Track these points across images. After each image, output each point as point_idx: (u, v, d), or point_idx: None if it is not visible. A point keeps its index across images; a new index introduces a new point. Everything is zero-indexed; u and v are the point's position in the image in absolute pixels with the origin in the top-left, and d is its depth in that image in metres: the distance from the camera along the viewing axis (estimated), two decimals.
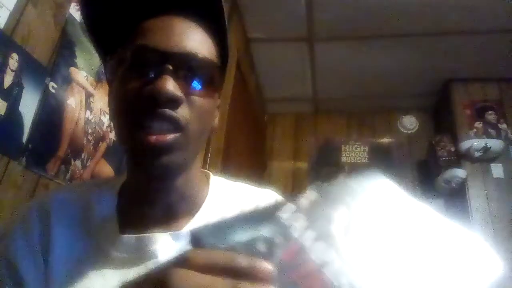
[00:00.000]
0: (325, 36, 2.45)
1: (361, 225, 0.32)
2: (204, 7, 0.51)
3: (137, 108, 0.46)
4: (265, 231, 0.30)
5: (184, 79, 0.48)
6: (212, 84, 0.51)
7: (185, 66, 0.48)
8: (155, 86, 0.45)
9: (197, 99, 0.49)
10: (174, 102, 0.46)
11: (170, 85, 0.45)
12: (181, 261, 0.27)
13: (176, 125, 0.47)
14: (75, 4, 1.19)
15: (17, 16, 0.94)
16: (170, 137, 0.46)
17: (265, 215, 0.32)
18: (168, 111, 0.46)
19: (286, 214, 0.32)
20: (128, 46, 0.49)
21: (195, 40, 0.50)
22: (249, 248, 0.29)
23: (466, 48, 2.46)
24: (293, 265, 0.28)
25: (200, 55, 0.49)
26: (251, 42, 2.54)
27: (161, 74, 0.46)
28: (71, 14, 1.17)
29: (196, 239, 0.29)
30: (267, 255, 0.28)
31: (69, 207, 0.55)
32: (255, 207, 0.33)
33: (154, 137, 0.45)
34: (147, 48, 0.47)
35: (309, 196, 0.34)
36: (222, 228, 0.30)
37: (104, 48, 0.55)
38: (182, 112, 0.47)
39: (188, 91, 0.48)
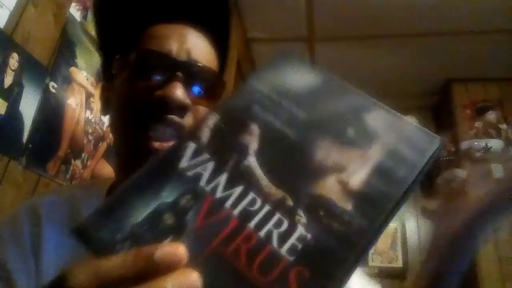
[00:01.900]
0: (325, 36, 2.45)
1: (278, 136, 0.26)
2: (213, 21, 0.53)
3: (145, 111, 0.47)
4: (167, 194, 0.24)
5: (190, 88, 0.49)
6: (215, 94, 0.52)
7: (193, 75, 0.49)
8: (166, 91, 0.45)
9: (200, 108, 0.50)
10: (182, 109, 0.47)
11: (181, 92, 0.46)
12: None
13: (180, 132, 0.47)
14: (75, 4, 1.19)
15: (17, 16, 0.94)
16: None
17: (162, 171, 0.25)
18: (176, 117, 0.47)
19: (187, 160, 0.25)
20: (139, 48, 0.50)
21: (203, 51, 0.52)
22: (154, 226, 0.23)
23: (466, 48, 2.46)
24: (210, 230, 0.22)
25: (207, 66, 0.51)
26: (251, 42, 2.54)
27: (171, 80, 0.46)
28: (71, 14, 1.17)
29: (85, 236, 0.23)
30: (177, 228, 0.22)
31: (58, 210, 0.55)
32: (149, 163, 0.26)
33: (157, 143, 0.46)
34: (158, 54, 0.48)
35: (209, 123, 0.27)
36: (115, 210, 0.23)
37: (109, 48, 0.55)
38: (187, 120, 0.48)
39: (193, 100, 0.49)
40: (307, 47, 2.55)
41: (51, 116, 1.08)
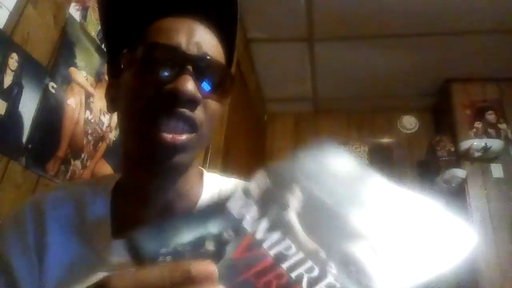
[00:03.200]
0: (325, 36, 2.45)
1: (318, 202, 0.30)
2: (221, 16, 0.53)
3: (155, 104, 0.46)
4: (213, 227, 0.28)
5: (200, 82, 0.48)
6: (224, 89, 0.52)
7: (203, 69, 0.48)
8: (176, 85, 0.45)
9: (210, 102, 0.50)
10: (192, 103, 0.46)
11: (191, 86, 0.45)
12: None
13: (192, 126, 0.47)
14: (75, 4, 1.19)
15: (17, 16, 0.94)
16: (186, 137, 0.47)
17: (213, 209, 0.30)
18: (187, 111, 0.46)
19: (235, 204, 0.29)
20: (148, 42, 0.49)
21: (212, 45, 0.51)
22: (196, 249, 0.26)
23: (466, 48, 2.46)
24: (246, 262, 0.26)
25: (217, 60, 0.50)
26: (251, 42, 2.54)
27: (181, 73, 0.46)
28: (71, 14, 1.17)
29: (134, 246, 0.26)
30: (216, 255, 0.26)
31: (63, 207, 0.54)
32: (203, 202, 0.31)
33: (170, 135, 0.45)
34: (168, 47, 0.48)
35: (258, 180, 0.31)
36: (165, 230, 0.27)
37: (115, 44, 0.54)
38: (198, 114, 0.48)
39: (203, 94, 0.48)
40: (307, 47, 2.55)
41: (51, 116, 1.07)
